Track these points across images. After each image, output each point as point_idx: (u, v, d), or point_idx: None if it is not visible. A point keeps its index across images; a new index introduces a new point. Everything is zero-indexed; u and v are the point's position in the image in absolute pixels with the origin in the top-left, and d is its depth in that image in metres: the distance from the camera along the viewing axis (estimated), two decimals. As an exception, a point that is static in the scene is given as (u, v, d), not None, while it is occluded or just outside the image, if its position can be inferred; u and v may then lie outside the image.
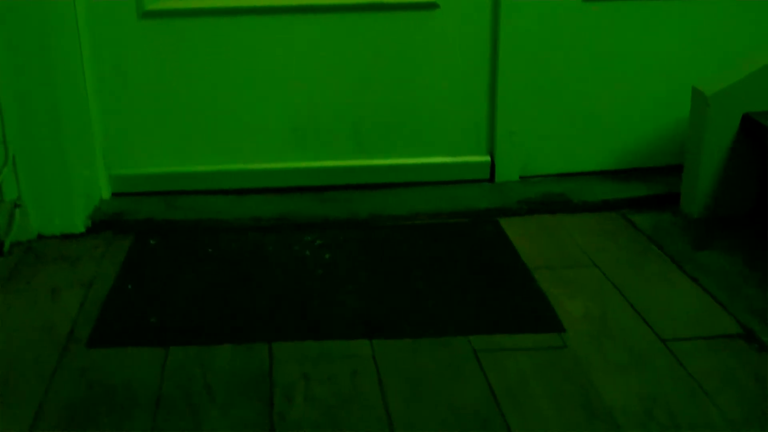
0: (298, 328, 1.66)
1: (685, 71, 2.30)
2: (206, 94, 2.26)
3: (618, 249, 2.02)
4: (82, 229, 2.11)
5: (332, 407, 1.42)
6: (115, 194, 2.30)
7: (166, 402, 1.43)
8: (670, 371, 1.52)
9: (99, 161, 2.25)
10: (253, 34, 2.22)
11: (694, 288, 1.83)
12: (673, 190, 2.24)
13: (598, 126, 2.38)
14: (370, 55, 2.27)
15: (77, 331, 1.65)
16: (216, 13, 2.19)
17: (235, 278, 1.86)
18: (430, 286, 1.82)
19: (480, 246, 2.02)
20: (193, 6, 2.18)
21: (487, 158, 2.38)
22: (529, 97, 2.32)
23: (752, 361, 1.55)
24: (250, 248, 2.01)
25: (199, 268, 1.91)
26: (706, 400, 1.44)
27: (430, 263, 1.93)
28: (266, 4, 2.20)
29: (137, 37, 2.19)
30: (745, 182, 2.12)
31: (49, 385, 1.47)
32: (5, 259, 1.97)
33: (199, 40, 2.21)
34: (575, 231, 2.13)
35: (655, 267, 1.93)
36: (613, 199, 2.25)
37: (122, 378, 1.50)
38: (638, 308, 1.74)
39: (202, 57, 2.22)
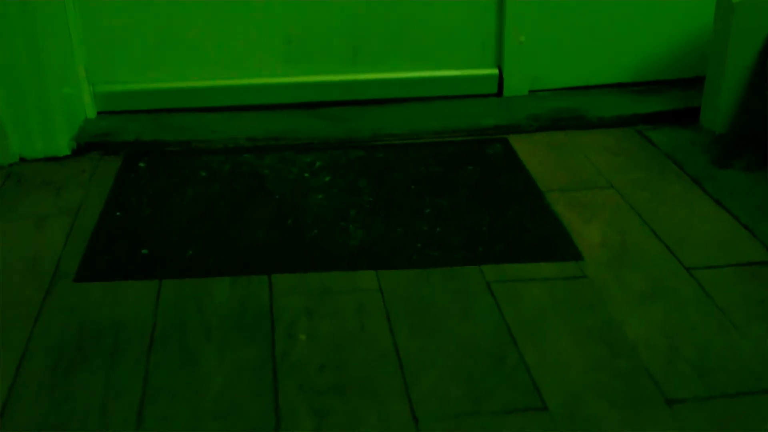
0: (298, 258, 1.56)
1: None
2: (194, 3, 2.10)
3: (635, 168, 1.91)
4: (67, 152, 1.99)
5: (338, 346, 1.33)
6: (101, 113, 2.16)
7: (159, 343, 1.34)
8: (696, 303, 1.43)
9: (81, 78, 2.11)
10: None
11: (717, 210, 1.72)
12: (693, 105, 2.12)
13: (614, 36, 2.23)
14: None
15: (64, 265, 1.55)
16: None
17: (231, 204, 1.75)
18: (437, 212, 1.71)
19: (489, 166, 1.91)
20: None
21: (495, 71, 2.24)
22: (541, 3, 2.16)
23: (783, 291, 1.46)
24: (246, 171, 1.89)
25: (192, 193, 1.79)
26: (736, 333, 1.35)
27: (437, 186, 1.82)
28: None
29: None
30: (770, 96, 2.00)
31: (35, 327, 1.38)
32: (-15, 186, 1.86)
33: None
34: (589, 149, 2.01)
35: (675, 188, 1.82)
36: (628, 114, 2.12)
37: (113, 316, 1.40)
38: (659, 233, 1.64)
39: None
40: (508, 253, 1.57)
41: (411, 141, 2.05)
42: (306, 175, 1.87)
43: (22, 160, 1.96)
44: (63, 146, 1.97)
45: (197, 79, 2.16)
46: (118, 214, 1.71)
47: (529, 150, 2.00)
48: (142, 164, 1.93)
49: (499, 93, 2.24)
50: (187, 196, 1.78)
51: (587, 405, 1.22)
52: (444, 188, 1.81)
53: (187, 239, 1.62)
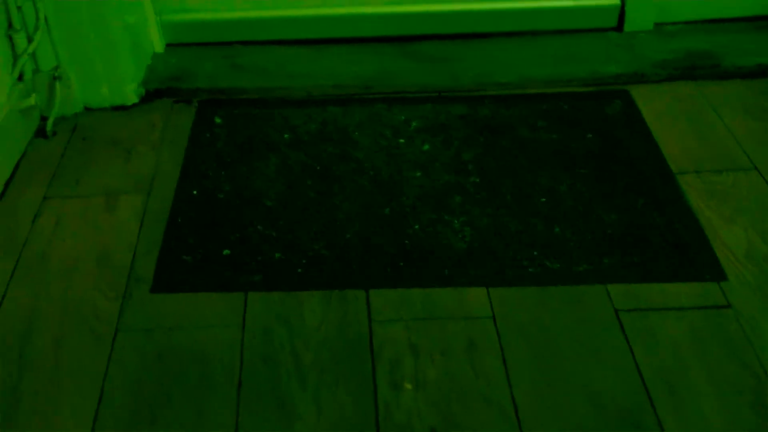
0: (397, 267, 1.37)
1: None
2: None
3: (782, 141, 1.65)
4: (135, 100, 1.79)
5: (448, 399, 1.17)
6: (169, 45, 1.94)
7: (248, 386, 1.20)
8: None
9: (147, 5, 1.87)
10: None
11: None
12: None
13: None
14: None
15: (138, 266, 1.39)
16: None
17: (318, 181, 1.55)
18: (554, 200, 1.50)
19: (610, 133, 1.67)
20: None
21: (616, 1, 1.93)
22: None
23: None
24: (333, 133, 1.68)
25: (274, 163, 1.60)
26: None
27: (551, 160, 1.59)
28: None
29: None
30: None
31: (111, 353, 1.25)
32: (50, 144, 1.69)
33: None
34: (725, 108, 1.74)
35: (831, 172, 1.57)
36: (774, 63, 1.82)
37: (196, 346, 1.25)
38: (815, 243, 1.41)
39: None
40: (637, 269, 1.37)
41: (519, 91, 1.80)
42: (401, 141, 1.65)
43: (87, 109, 1.78)
44: (131, 94, 1.78)
45: (274, 8, 1.91)
46: (194, 192, 1.54)
47: (656, 109, 1.74)
48: (217, 119, 1.73)
49: (619, 27, 1.95)
50: (269, 169, 1.59)
51: (739, 500, 1.06)
52: (560, 164, 1.58)
53: (270, 234, 1.44)
